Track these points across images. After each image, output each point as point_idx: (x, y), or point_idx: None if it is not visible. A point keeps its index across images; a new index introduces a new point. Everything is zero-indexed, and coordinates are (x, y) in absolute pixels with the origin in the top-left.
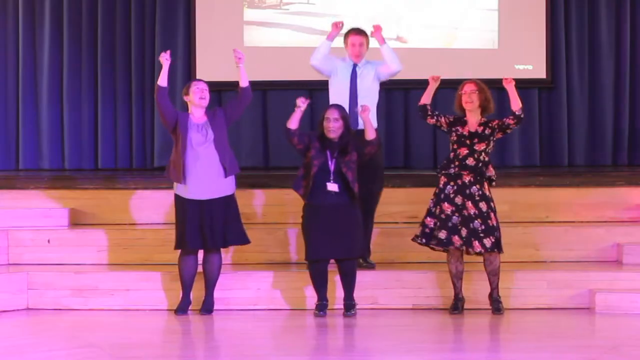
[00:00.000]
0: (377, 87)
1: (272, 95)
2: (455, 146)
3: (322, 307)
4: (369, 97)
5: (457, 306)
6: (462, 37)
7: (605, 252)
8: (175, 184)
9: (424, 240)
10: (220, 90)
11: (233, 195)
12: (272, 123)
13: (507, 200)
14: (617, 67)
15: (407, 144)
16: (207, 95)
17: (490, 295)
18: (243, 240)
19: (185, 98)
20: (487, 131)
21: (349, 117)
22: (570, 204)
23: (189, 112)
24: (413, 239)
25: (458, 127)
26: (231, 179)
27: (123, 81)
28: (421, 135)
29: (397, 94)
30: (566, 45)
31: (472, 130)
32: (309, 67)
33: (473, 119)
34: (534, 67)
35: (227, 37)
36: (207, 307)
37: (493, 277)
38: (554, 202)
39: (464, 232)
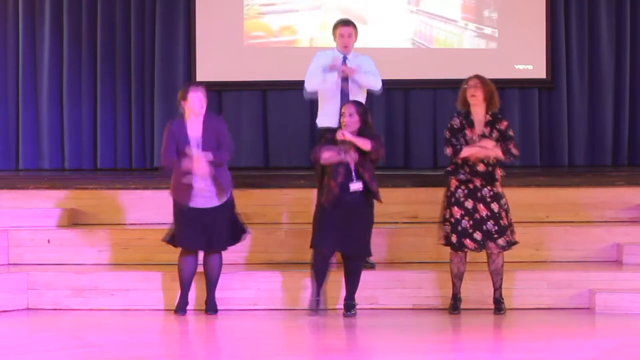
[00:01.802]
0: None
1: (272, 95)
2: None
3: (314, 303)
4: (361, 92)
5: (456, 306)
6: (462, 37)
7: (605, 252)
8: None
9: (445, 242)
10: (221, 90)
11: (231, 200)
12: (272, 123)
13: (507, 200)
14: (617, 67)
15: (407, 144)
16: (205, 102)
17: (494, 297)
18: (243, 235)
19: (183, 104)
20: (494, 134)
21: (367, 112)
22: (570, 204)
23: (185, 118)
24: (443, 244)
25: (466, 132)
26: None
27: (123, 81)
28: (421, 135)
29: (397, 94)
30: (566, 45)
31: (480, 132)
32: (309, 67)
33: (479, 117)
34: (534, 67)
35: (227, 36)
36: (213, 307)
37: (496, 276)
38: (554, 202)
39: (478, 235)
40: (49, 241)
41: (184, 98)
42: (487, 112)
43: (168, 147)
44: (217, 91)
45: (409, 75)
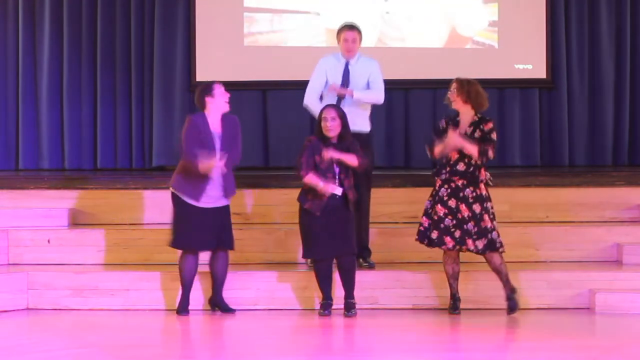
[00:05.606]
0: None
1: (272, 95)
2: None
3: (326, 306)
4: (360, 104)
5: (456, 306)
6: (462, 36)
7: (605, 252)
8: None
9: (418, 238)
10: None
11: (229, 206)
12: (272, 123)
13: (507, 200)
14: (617, 67)
15: (407, 144)
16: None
17: (505, 294)
18: (232, 246)
19: (207, 98)
20: (476, 134)
21: (346, 116)
22: (570, 204)
23: (205, 112)
24: (416, 240)
25: (450, 131)
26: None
27: (123, 81)
28: (421, 135)
29: (397, 94)
30: (566, 45)
31: (462, 132)
32: (309, 66)
33: (465, 118)
34: (534, 67)
35: (227, 36)
36: (226, 307)
37: (498, 274)
38: (554, 202)
39: (457, 233)
40: (49, 241)
41: (210, 94)
42: (475, 113)
43: (192, 143)
44: None
45: (408, 75)
